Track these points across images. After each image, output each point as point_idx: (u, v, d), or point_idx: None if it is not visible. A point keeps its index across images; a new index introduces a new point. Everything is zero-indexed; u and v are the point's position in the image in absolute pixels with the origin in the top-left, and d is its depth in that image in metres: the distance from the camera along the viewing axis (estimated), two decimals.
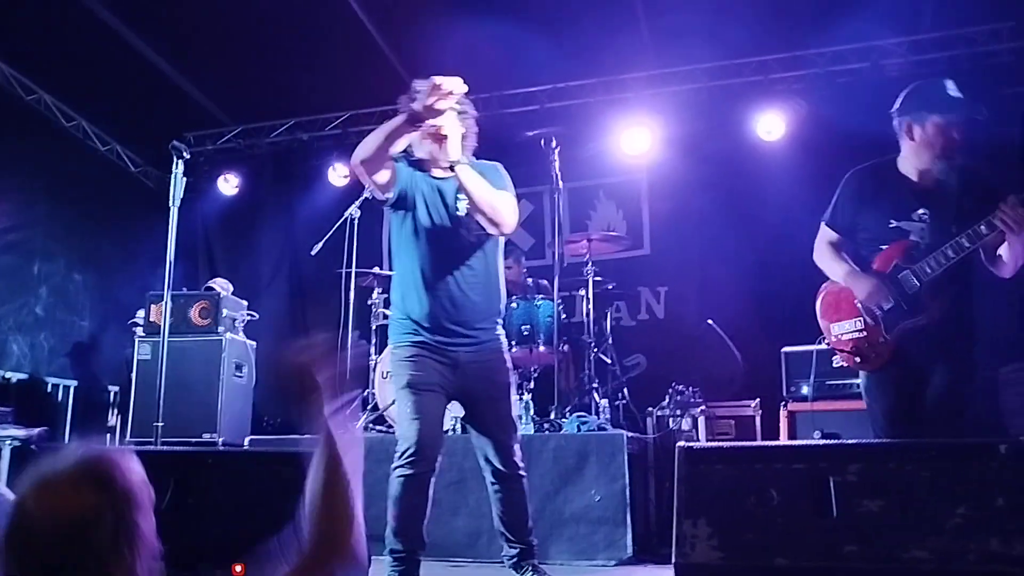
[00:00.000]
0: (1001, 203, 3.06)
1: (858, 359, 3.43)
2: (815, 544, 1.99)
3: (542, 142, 5.63)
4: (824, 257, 3.59)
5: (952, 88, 3.32)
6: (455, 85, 3.23)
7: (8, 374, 6.48)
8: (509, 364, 3.50)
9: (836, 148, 6.44)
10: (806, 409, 5.21)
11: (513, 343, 5.95)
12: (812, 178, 6.37)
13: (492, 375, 3.43)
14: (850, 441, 2.46)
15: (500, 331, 3.53)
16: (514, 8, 6.39)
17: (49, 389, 7.60)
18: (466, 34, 6.59)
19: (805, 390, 5.30)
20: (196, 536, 2.44)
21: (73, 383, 7.78)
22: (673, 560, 2.04)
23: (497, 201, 3.30)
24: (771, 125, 7.01)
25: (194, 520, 2.47)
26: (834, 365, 5.12)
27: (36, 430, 6.29)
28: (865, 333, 3.39)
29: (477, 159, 3.50)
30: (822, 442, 2.32)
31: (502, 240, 3.54)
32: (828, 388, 5.21)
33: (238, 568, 2.38)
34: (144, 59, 7.11)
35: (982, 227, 3.13)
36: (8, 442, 5.81)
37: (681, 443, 2.14)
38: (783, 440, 5.16)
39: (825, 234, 3.61)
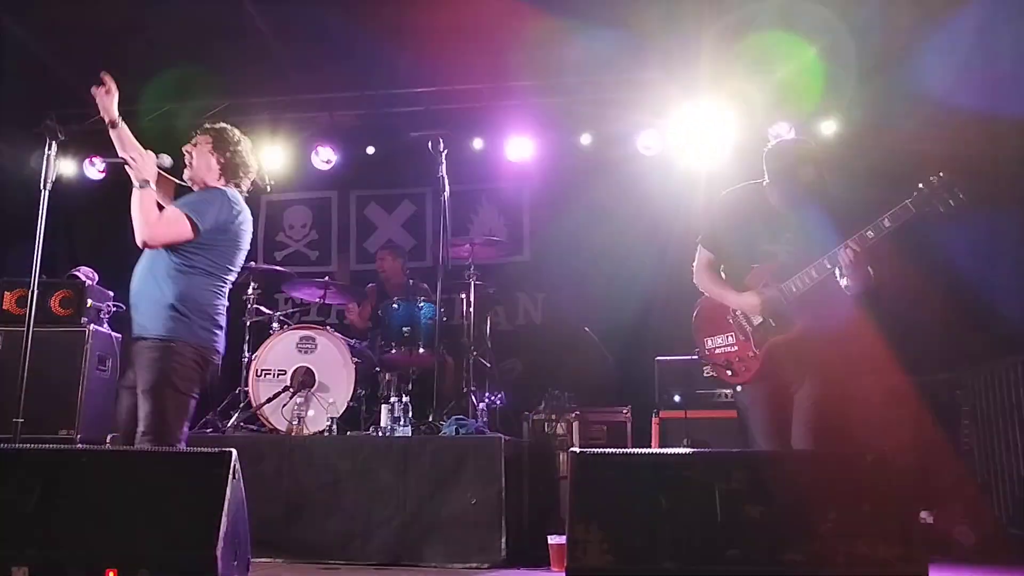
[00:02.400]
0: (848, 243, 3.30)
1: (729, 372, 3.61)
2: (701, 548, 2.08)
3: (430, 144, 5.63)
4: (704, 279, 3.75)
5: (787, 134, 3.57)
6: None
7: None
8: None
9: (712, 166, 6.74)
10: (677, 416, 5.41)
11: (393, 344, 5.93)
12: (690, 193, 6.65)
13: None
14: (735, 451, 2.57)
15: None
16: (405, 9, 6.35)
17: None
18: (353, 30, 6.52)
19: (677, 398, 5.50)
20: (66, 540, 2.31)
21: None
22: (566, 564, 2.08)
23: (142, 215, 3.63)
24: (650, 141, 7.22)
25: (64, 523, 2.34)
26: (705, 375, 5.34)
27: None
28: (736, 348, 3.57)
29: None
30: (709, 451, 2.42)
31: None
32: (698, 397, 5.43)
33: (111, 574, 2.27)
34: (11, 35, 6.67)
35: (839, 251, 3.36)
36: None
37: (574, 448, 2.19)
38: (655, 446, 5.35)
39: (702, 255, 3.77)
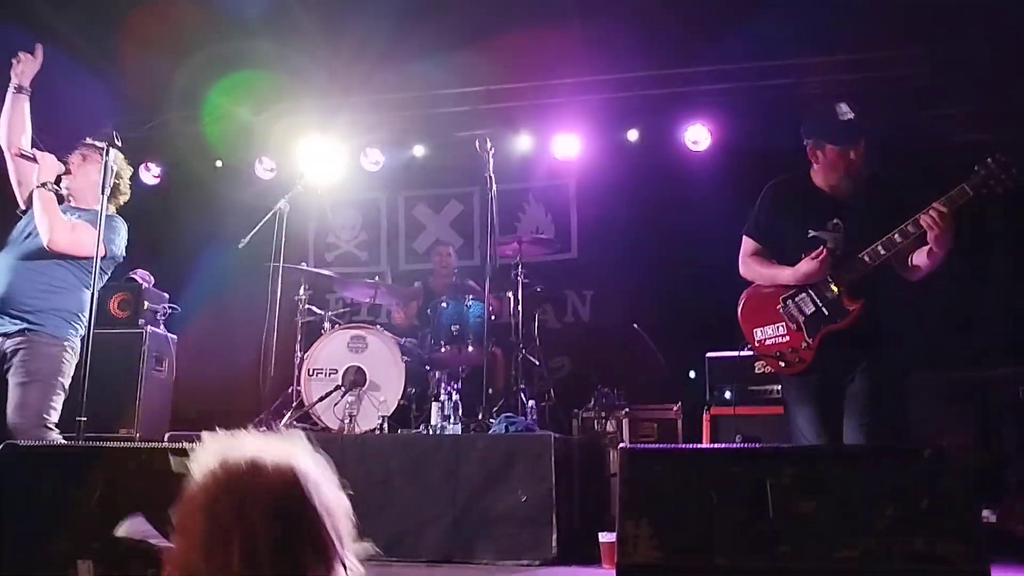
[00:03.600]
0: (933, 205, 3.22)
1: (782, 363, 3.55)
2: (752, 544, 2.05)
3: (476, 143, 5.66)
4: (751, 266, 3.70)
5: (845, 111, 3.49)
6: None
7: None
8: None
9: (759, 159, 6.65)
10: (728, 413, 5.36)
11: (442, 342, 5.96)
12: (736, 188, 6.56)
13: None
14: (785, 446, 2.54)
15: None
16: (447, 9, 6.38)
17: None
18: (400, 33, 6.57)
19: (728, 395, 5.45)
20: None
21: None
22: (616, 560, 2.08)
23: (51, 218, 3.76)
24: (698, 136, 7.17)
25: (125, 518, 2.39)
26: (756, 371, 5.29)
27: None
28: (788, 338, 3.51)
29: None
30: (759, 446, 2.40)
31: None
32: (749, 393, 5.37)
33: (169, 568, 2.32)
34: (69, 42, 6.85)
35: (896, 236, 3.29)
36: None
37: (624, 444, 2.19)
38: (706, 443, 5.30)
39: (748, 245, 3.73)
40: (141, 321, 6.04)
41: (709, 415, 5.52)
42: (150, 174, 8.14)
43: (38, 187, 3.71)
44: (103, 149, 3.83)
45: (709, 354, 5.73)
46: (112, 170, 3.86)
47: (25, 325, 3.68)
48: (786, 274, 3.53)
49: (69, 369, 3.69)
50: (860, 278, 3.37)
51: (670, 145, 7.24)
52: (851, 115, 3.48)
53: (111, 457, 2.52)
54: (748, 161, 6.74)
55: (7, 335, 3.67)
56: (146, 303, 6.13)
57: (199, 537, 1.29)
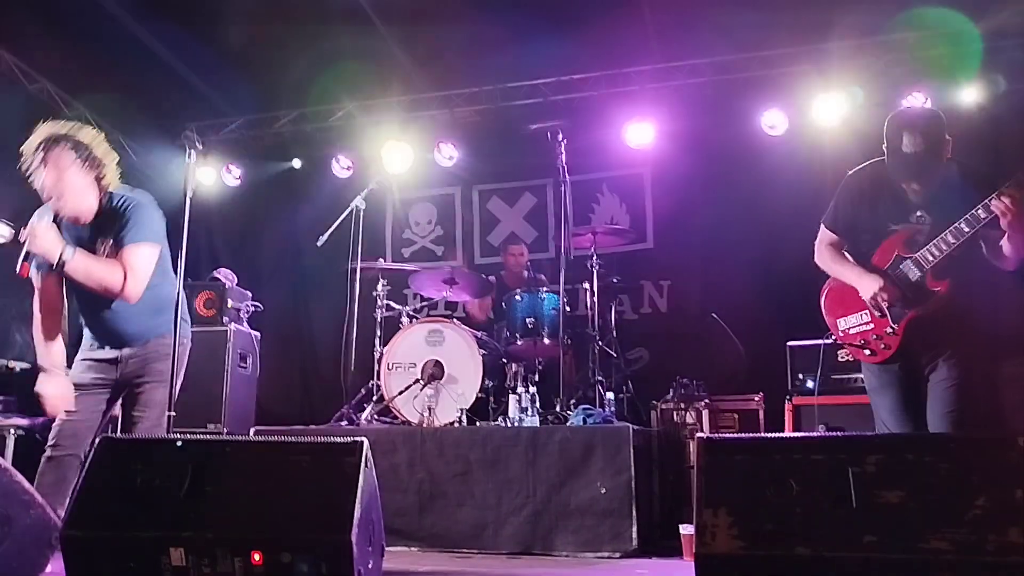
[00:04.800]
0: (1001, 188, 3.09)
1: (867, 352, 3.47)
2: (835, 533, 2.00)
3: (548, 135, 5.65)
4: (825, 258, 3.65)
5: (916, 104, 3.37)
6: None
7: (12, 363, 6.45)
8: None
9: (838, 145, 6.48)
10: (811, 403, 5.24)
11: (518, 335, 5.98)
12: (815, 173, 6.41)
13: None
14: (869, 434, 2.47)
15: None
16: (517, 2, 6.38)
17: None
18: (470, 25, 6.59)
19: (810, 384, 5.33)
20: (214, 524, 2.45)
21: None
22: (695, 549, 2.05)
23: (111, 280, 3.40)
24: (775, 120, 7.02)
25: (213, 508, 2.48)
26: (839, 359, 5.16)
27: (39, 419, 6.30)
28: (872, 325, 3.44)
29: None
30: (840, 434, 2.33)
31: None
32: (833, 383, 5.23)
33: (256, 556, 2.39)
34: (148, 48, 7.08)
35: (979, 211, 3.17)
36: (13, 431, 5.83)
37: (701, 434, 2.16)
38: (789, 432, 5.19)
39: (825, 235, 3.66)
40: (225, 319, 6.22)
41: (791, 405, 5.41)
42: (231, 175, 8.36)
43: (53, 269, 3.40)
44: (61, 144, 3.37)
45: (790, 343, 5.61)
46: (93, 156, 3.44)
47: (142, 342, 3.63)
48: (850, 277, 3.49)
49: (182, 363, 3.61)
50: (945, 259, 3.26)
51: (746, 130, 7.10)
52: (927, 105, 3.38)
53: (199, 450, 2.61)
54: (828, 146, 6.59)
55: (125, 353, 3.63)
56: (230, 302, 6.31)
57: None
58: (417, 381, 5.62)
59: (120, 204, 3.49)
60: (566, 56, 7.03)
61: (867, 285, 3.40)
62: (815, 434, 2.99)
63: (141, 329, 3.60)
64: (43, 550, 2.93)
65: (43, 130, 3.43)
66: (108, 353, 3.61)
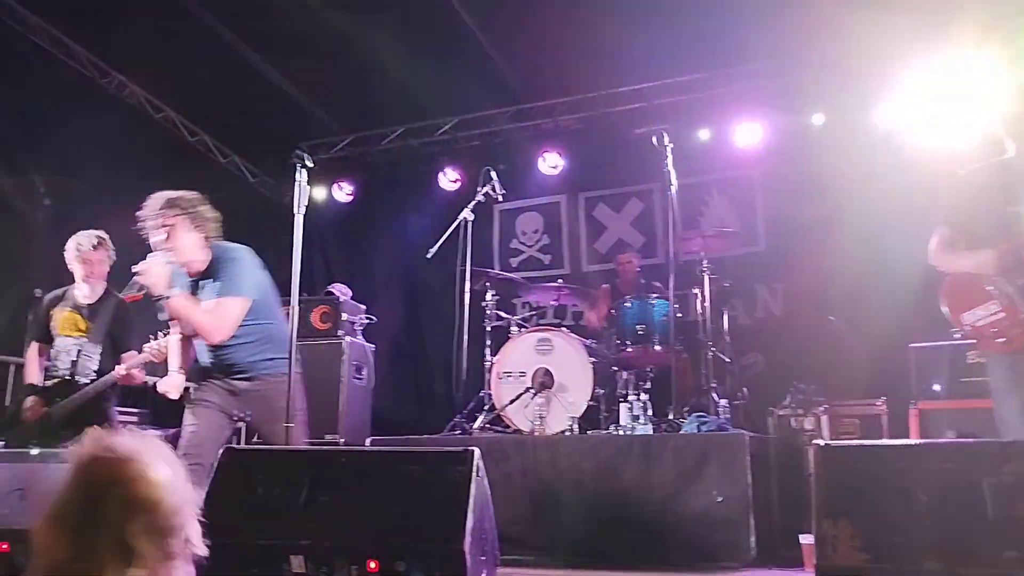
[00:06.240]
0: None
1: (1001, 340, 3.32)
2: (969, 548, 1.89)
3: (654, 139, 5.58)
4: (943, 255, 3.50)
5: None
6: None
7: (147, 378, 6.79)
8: None
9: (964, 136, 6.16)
10: (938, 407, 4.98)
11: (628, 342, 5.92)
12: (936, 168, 6.12)
13: None
14: (1004, 441, 2.32)
15: None
16: (619, 5, 6.34)
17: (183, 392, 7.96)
18: (571, 34, 6.59)
19: (937, 387, 5.07)
20: (332, 532, 2.51)
21: None
22: (815, 561, 1.97)
23: (199, 322, 3.73)
24: (890, 114, 6.74)
25: (330, 516, 2.54)
26: (969, 361, 4.89)
27: (172, 431, 6.61)
28: (1004, 314, 3.29)
29: None
30: (972, 440, 2.20)
31: None
32: (961, 386, 4.97)
33: (372, 564, 2.43)
34: (261, 74, 7.38)
35: None
36: None
37: (818, 441, 2.07)
38: (914, 438, 4.95)
39: (942, 234, 3.51)
40: (340, 332, 6.39)
41: (917, 410, 5.16)
42: (343, 192, 8.61)
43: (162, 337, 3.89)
44: (174, 208, 3.77)
45: (913, 344, 5.35)
46: (200, 217, 3.83)
47: (253, 375, 3.87)
48: (965, 262, 3.40)
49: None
50: None
51: (859, 125, 6.85)
52: None
53: (315, 460, 2.68)
54: (948, 138, 6.28)
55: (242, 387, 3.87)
56: (344, 315, 6.48)
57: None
58: (528, 390, 5.63)
59: (220, 260, 3.85)
60: (668, 59, 6.95)
61: (985, 258, 3.30)
62: (943, 441, 2.83)
63: (247, 363, 3.87)
64: None
65: (158, 196, 3.85)
66: (226, 384, 3.87)
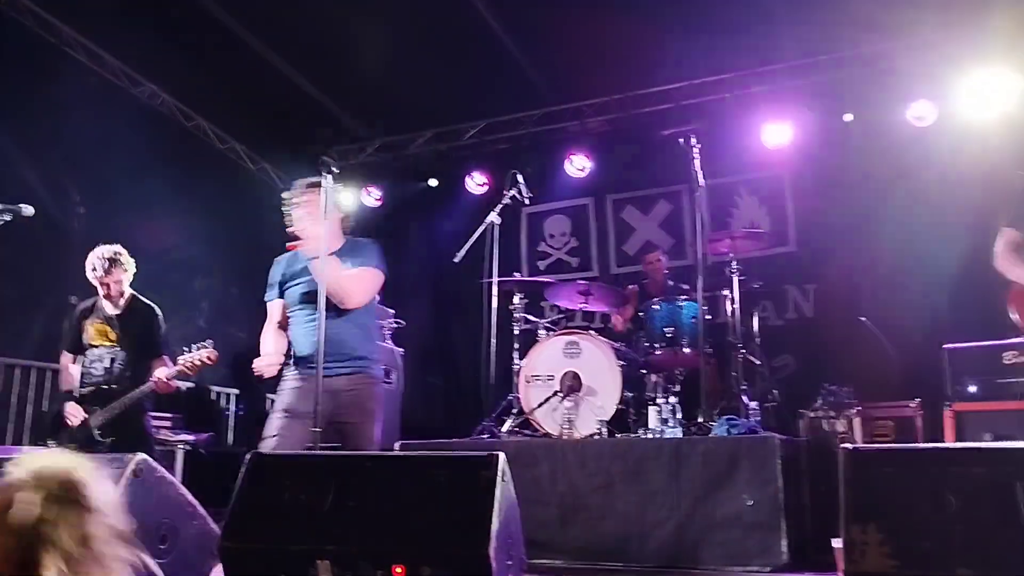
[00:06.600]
0: None
1: None
2: (1004, 555, 1.85)
3: (681, 141, 5.55)
4: (1009, 262, 3.43)
5: None
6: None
7: (180, 384, 6.89)
8: None
9: (994, 135, 6.07)
10: (974, 409, 4.89)
11: (657, 345, 5.88)
12: (970, 165, 6.03)
13: None
14: None
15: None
16: (645, 6, 6.31)
17: (214, 397, 8.07)
18: (597, 36, 6.58)
19: (972, 389, 4.98)
20: (358, 537, 2.52)
21: (235, 391, 8.22)
22: (843, 567, 1.94)
23: (344, 281, 3.92)
24: (923, 111, 6.65)
25: (356, 521, 2.55)
26: (1006, 362, 4.80)
27: (204, 435, 6.69)
28: None
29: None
30: (1005, 444, 2.15)
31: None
32: (998, 387, 4.87)
33: (398, 569, 2.44)
34: (291, 82, 7.45)
35: None
36: (181, 446, 6.21)
37: (846, 445, 2.04)
38: (952, 442, 4.86)
39: (1008, 236, 3.44)
40: None
41: (952, 411, 5.06)
42: (371, 197, 8.64)
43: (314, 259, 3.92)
44: (318, 190, 3.94)
45: (947, 345, 5.26)
46: (339, 203, 4.11)
47: (355, 367, 3.96)
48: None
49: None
50: None
51: (891, 123, 6.76)
52: None
53: (341, 466, 2.69)
54: (980, 136, 6.19)
55: (350, 374, 3.94)
56: None
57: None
58: (556, 393, 5.62)
59: (354, 243, 4.18)
60: (695, 59, 6.91)
61: None
62: (975, 444, 2.78)
63: (350, 349, 3.95)
64: (207, 559, 3.09)
65: (304, 181, 4.14)
66: (336, 368, 3.89)
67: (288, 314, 4.10)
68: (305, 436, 3.70)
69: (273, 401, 4.09)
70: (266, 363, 3.94)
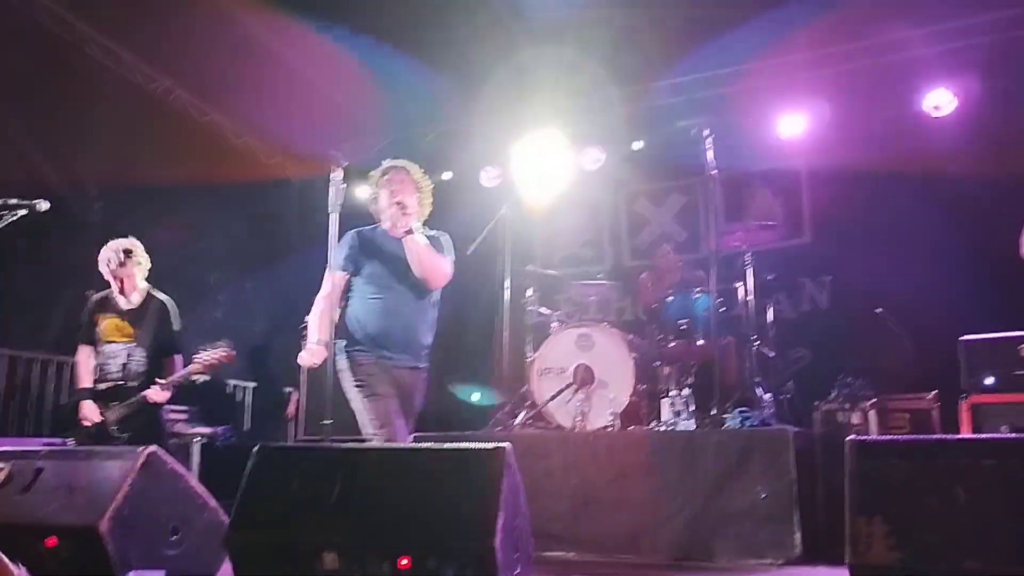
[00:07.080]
0: None
1: None
2: (1014, 548, 1.82)
3: (692, 132, 5.52)
4: None
5: None
6: None
7: (194, 376, 6.93)
8: None
9: (1013, 123, 6.00)
10: (991, 401, 4.85)
11: (670, 337, 5.86)
12: (987, 155, 5.96)
13: None
14: None
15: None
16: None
17: (230, 390, 8.11)
18: (609, 30, 6.56)
19: (989, 381, 4.93)
20: (364, 529, 2.53)
21: (251, 384, 8.26)
22: (847, 559, 1.93)
23: (435, 259, 4.01)
24: (940, 100, 6.58)
25: (362, 513, 2.55)
26: (1022, 354, 4.76)
27: (220, 428, 6.74)
28: None
29: None
30: (1013, 435, 2.13)
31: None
32: (1015, 379, 4.82)
33: (404, 561, 2.44)
34: (303, 78, 7.48)
35: None
36: (198, 439, 6.25)
37: (851, 436, 2.02)
38: (966, 434, 4.82)
39: None
40: None
41: (968, 404, 5.02)
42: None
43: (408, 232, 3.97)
44: (401, 172, 4.09)
45: (963, 337, 5.20)
46: (420, 185, 4.15)
47: (422, 362, 4.08)
48: None
49: None
50: None
51: (907, 112, 6.69)
52: None
53: (347, 458, 2.70)
54: (999, 125, 6.12)
55: (415, 368, 4.04)
56: None
57: None
58: (569, 386, 5.61)
59: (430, 231, 4.14)
60: (708, 51, 6.86)
61: None
62: (984, 436, 2.75)
63: (422, 335, 4.06)
64: (218, 550, 3.11)
65: (390, 161, 4.22)
66: (406, 360, 3.99)
67: (351, 291, 4.04)
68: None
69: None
70: (310, 360, 3.84)
